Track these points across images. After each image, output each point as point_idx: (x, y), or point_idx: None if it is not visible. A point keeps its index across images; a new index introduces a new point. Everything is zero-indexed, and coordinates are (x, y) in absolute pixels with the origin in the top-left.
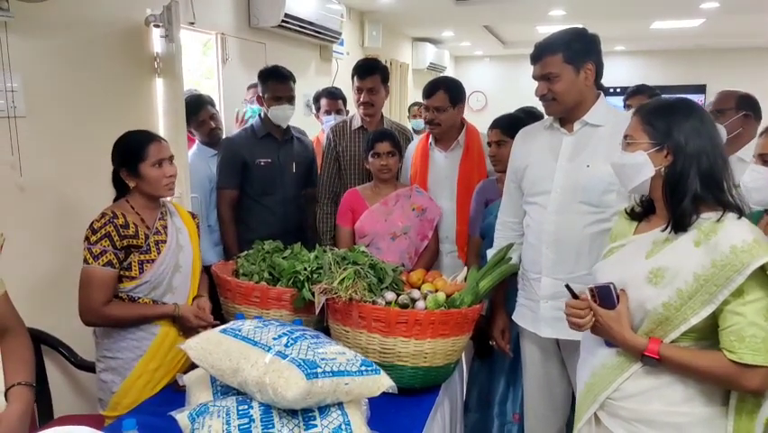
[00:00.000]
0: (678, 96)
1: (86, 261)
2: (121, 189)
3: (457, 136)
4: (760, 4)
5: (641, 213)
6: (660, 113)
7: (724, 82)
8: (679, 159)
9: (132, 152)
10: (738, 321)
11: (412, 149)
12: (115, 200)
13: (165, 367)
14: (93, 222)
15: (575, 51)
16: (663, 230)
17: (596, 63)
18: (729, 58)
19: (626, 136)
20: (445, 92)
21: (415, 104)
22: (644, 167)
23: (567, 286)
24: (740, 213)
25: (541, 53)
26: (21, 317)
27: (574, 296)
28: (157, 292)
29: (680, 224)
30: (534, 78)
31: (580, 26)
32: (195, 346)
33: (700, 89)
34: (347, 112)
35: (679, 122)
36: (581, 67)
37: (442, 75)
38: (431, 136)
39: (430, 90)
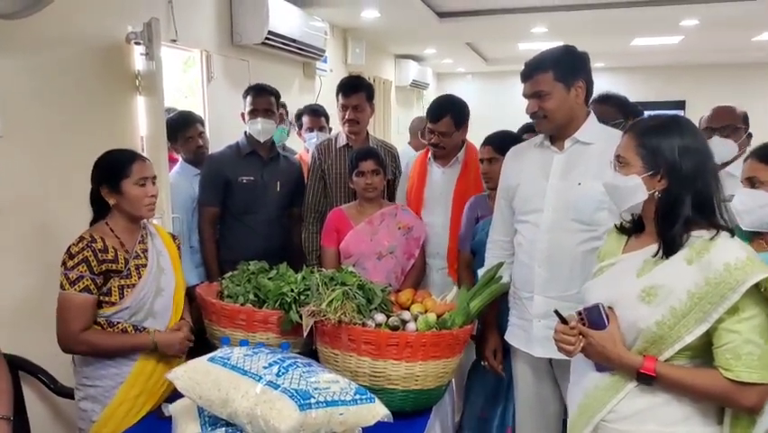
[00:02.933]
0: (671, 113)
1: (62, 286)
2: (99, 210)
3: (457, 153)
4: (738, 21)
5: (631, 229)
6: (653, 134)
7: (703, 98)
8: (673, 183)
9: (115, 168)
10: (734, 339)
11: (410, 164)
12: (94, 222)
13: (147, 393)
14: (70, 246)
15: (566, 69)
16: (655, 255)
17: (586, 81)
18: (708, 74)
19: (618, 157)
20: (451, 118)
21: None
22: (637, 190)
23: (556, 311)
24: (731, 233)
25: (531, 71)
26: None
27: (563, 321)
28: (137, 317)
29: (670, 247)
30: (525, 96)
31: (570, 44)
32: (182, 376)
33: (680, 105)
34: (330, 129)
35: (672, 144)
36: (572, 85)
37: (447, 95)
38: (430, 152)
39: (436, 115)
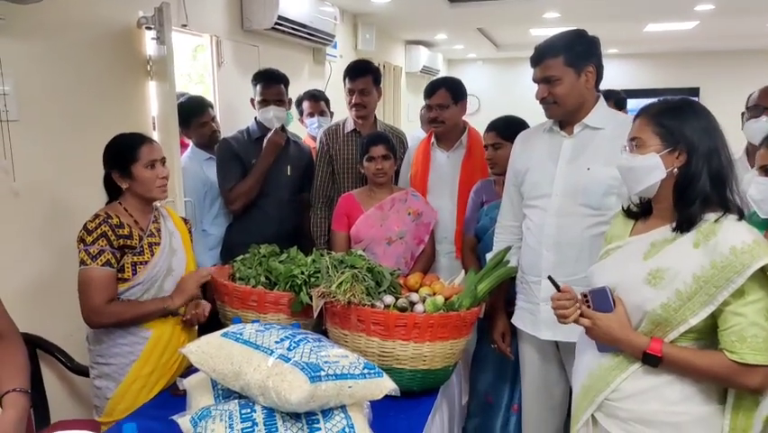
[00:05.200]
0: (681, 96)
1: (83, 262)
2: (112, 193)
3: (460, 137)
4: (754, 6)
5: (638, 213)
6: (670, 114)
7: (717, 85)
8: (692, 160)
9: (124, 153)
10: (739, 322)
11: (413, 150)
12: (107, 204)
13: (159, 371)
14: (86, 223)
15: (576, 54)
16: (674, 230)
17: (596, 66)
18: (723, 60)
19: (633, 139)
20: (447, 90)
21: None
22: (655, 169)
23: (549, 278)
24: (740, 215)
25: (541, 56)
26: (14, 323)
27: (557, 287)
28: (148, 295)
29: (687, 225)
30: (535, 80)
31: (581, 28)
32: (196, 350)
33: (694, 92)
34: (331, 114)
35: (690, 122)
36: (582, 69)
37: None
38: (433, 136)
39: (431, 89)
